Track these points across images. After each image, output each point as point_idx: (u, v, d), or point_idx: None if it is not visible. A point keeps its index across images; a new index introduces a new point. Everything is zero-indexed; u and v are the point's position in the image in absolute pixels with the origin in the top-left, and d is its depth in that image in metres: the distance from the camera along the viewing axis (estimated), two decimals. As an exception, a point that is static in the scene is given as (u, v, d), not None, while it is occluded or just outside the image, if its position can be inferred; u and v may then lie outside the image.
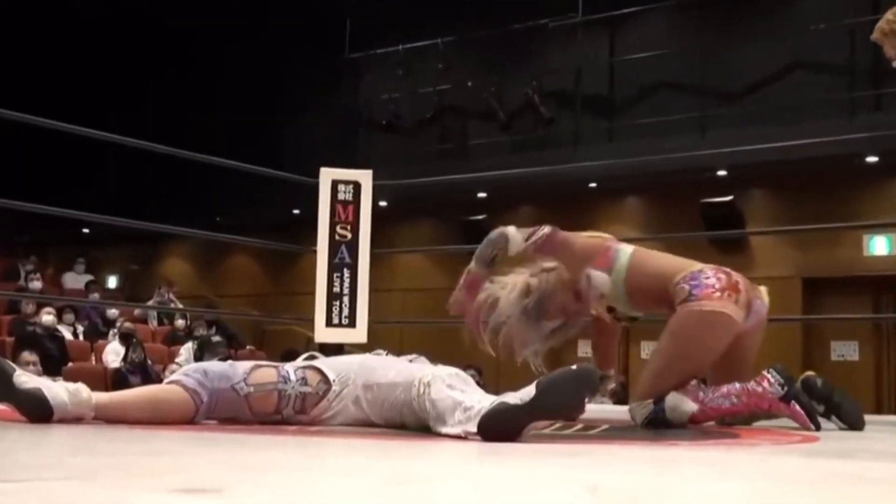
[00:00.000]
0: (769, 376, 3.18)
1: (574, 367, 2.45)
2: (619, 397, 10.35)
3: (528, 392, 2.38)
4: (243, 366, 2.75)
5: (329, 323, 5.51)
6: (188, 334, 11.62)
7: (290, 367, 2.78)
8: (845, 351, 11.05)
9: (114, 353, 10.29)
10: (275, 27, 14.03)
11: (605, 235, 3.63)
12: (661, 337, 3.36)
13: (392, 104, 13.38)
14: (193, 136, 12.41)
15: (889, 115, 9.96)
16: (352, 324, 5.51)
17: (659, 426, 3.20)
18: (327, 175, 5.72)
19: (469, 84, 12.96)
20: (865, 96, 10.55)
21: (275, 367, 2.79)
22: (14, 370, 2.50)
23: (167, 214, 12.08)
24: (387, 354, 3.06)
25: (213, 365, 2.74)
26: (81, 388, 2.53)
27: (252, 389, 2.68)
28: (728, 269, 3.40)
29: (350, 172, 5.78)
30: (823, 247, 10.99)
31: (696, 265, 3.40)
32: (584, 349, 12.60)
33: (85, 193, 13.13)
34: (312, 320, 5.69)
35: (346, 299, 5.61)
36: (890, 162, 10.25)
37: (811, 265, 11.12)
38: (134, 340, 10.13)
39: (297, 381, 2.73)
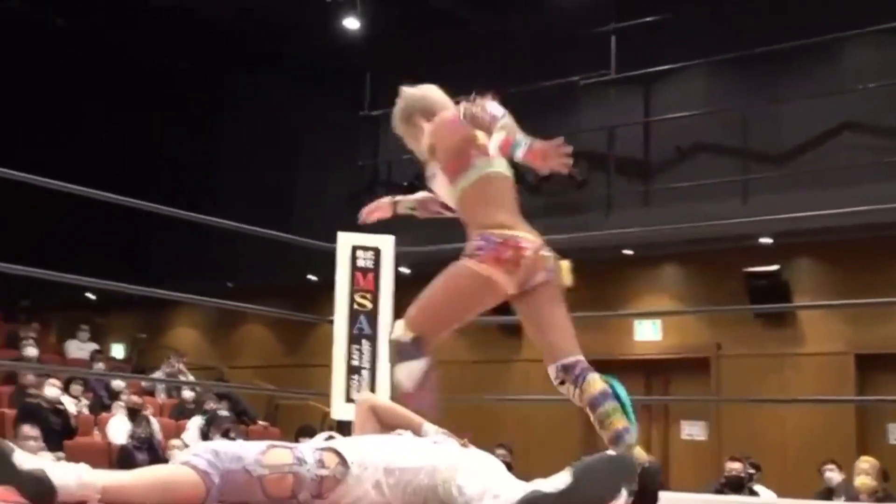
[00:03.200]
0: None
1: (610, 452, 2.42)
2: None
3: (562, 479, 2.35)
4: (257, 446, 2.73)
5: (348, 398, 5.47)
6: (197, 408, 11.58)
7: (306, 449, 2.75)
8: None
9: (119, 428, 10.27)
10: (290, 82, 14.17)
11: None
12: (438, 276, 3.43)
13: (414, 164, 13.41)
14: (203, 196, 12.58)
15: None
16: (372, 400, 5.46)
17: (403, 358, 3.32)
18: (346, 240, 5.72)
19: (496, 144, 12.99)
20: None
21: (290, 447, 2.76)
22: (13, 449, 2.48)
23: (176, 279, 12.18)
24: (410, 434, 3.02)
25: (225, 445, 2.71)
26: (85, 469, 2.51)
27: (266, 472, 2.65)
28: (527, 243, 3.37)
29: (370, 238, 5.78)
30: (877, 322, 10.86)
31: (510, 225, 3.38)
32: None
33: (90, 256, 13.24)
34: (329, 395, 5.65)
35: (365, 373, 5.59)
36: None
37: (864, 341, 11.00)
38: (141, 415, 10.12)
39: (314, 463, 2.69)
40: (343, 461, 2.73)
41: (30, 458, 2.49)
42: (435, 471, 2.58)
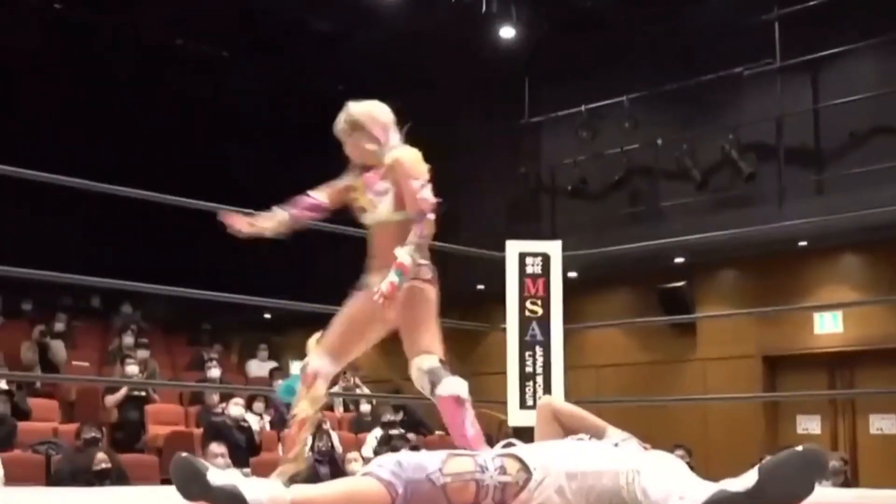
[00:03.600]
0: None
1: (800, 448, 2.35)
2: (845, 478, 9.91)
3: (749, 478, 2.30)
4: (438, 455, 2.75)
5: (523, 405, 5.50)
6: (375, 420, 11.79)
7: (487, 456, 2.76)
8: None
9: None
10: (448, 92, 14.30)
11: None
12: (414, 311, 3.87)
13: (577, 168, 13.40)
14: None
15: None
16: (547, 405, 5.46)
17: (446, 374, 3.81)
18: (514, 248, 5.75)
19: (659, 142, 12.85)
20: None
21: (471, 455, 2.78)
22: (207, 468, 2.58)
23: (350, 296, 12.43)
24: (590, 438, 3.00)
25: (408, 455, 2.75)
26: (277, 484, 2.59)
27: (449, 480, 2.67)
28: None
29: (538, 244, 5.80)
30: None
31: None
32: (804, 425, 12.17)
33: (264, 278, 13.63)
34: (504, 402, 5.68)
35: (539, 379, 5.60)
36: None
37: None
38: (322, 429, 10.35)
39: (496, 470, 2.69)
40: (525, 467, 2.72)
41: (222, 474, 2.59)
42: (618, 474, 2.56)
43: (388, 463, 2.69)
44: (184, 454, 2.64)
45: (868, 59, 11.66)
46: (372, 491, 2.64)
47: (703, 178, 12.43)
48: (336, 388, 12.96)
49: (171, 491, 2.66)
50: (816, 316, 11.95)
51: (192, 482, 2.55)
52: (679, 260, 12.47)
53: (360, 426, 11.96)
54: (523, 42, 13.30)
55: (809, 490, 2.33)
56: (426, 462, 2.70)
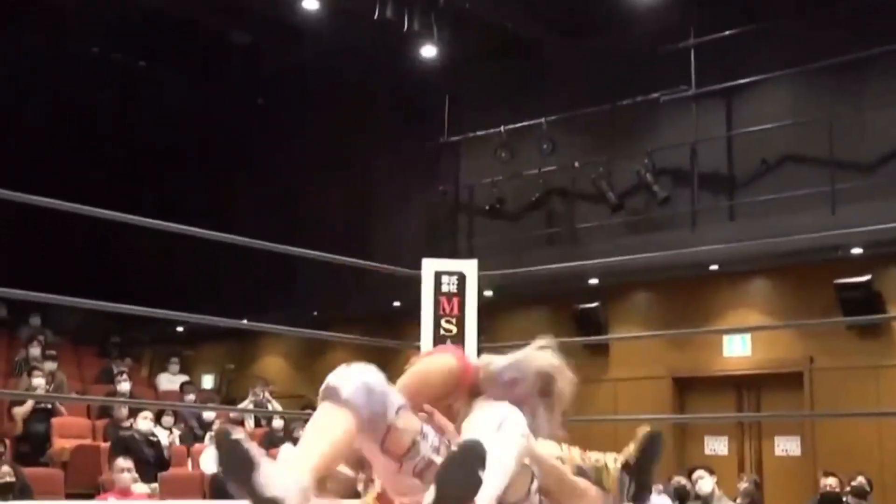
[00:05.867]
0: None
1: (454, 447, 2.52)
2: (754, 498, 10.10)
3: (431, 492, 2.44)
4: (397, 399, 2.75)
5: (436, 423, 5.50)
6: (286, 436, 11.70)
7: (430, 431, 2.80)
8: None
9: (211, 459, 10.40)
10: (368, 109, 14.32)
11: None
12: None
13: (495, 188, 13.49)
14: (283, 229, 12.74)
15: None
16: (460, 424, 5.49)
17: None
18: (430, 266, 5.74)
19: (576, 164, 13.00)
20: None
21: (419, 420, 2.80)
22: (258, 463, 2.33)
23: (263, 311, 12.35)
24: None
25: (377, 383, 2.72)
26: (300, 474, 2.43)
27: (400, 425, 2.69)
28: None
29: (454, 263, 5.80)
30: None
31: None
32: (712, 446, 12.37)
33: (176, 291, 13.48)
34: (417, 420, 5.68)
35: (452, 397, 5.61)
36: None
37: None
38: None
39: (432, 447, 2.75)
40: None
41: (272, 474, 2.34)
42: None
43: (358, 386, 2.69)
44: (234, 435, 2.34)
45: (781, 89, 11.94)
46: (347, 425, 2.62)
47: (619, 200, 12.61)
48: (245, 403, 12.88)
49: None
50: (725, 339, 12.16)
51: (238, 472, 2.33)
52: (593, 281, 12.62)
53: (273, 442, 11.84)
54: (444, 61, 13.36)
55: (476, 482, 2.45)
56: (391, 401, 2.71)
